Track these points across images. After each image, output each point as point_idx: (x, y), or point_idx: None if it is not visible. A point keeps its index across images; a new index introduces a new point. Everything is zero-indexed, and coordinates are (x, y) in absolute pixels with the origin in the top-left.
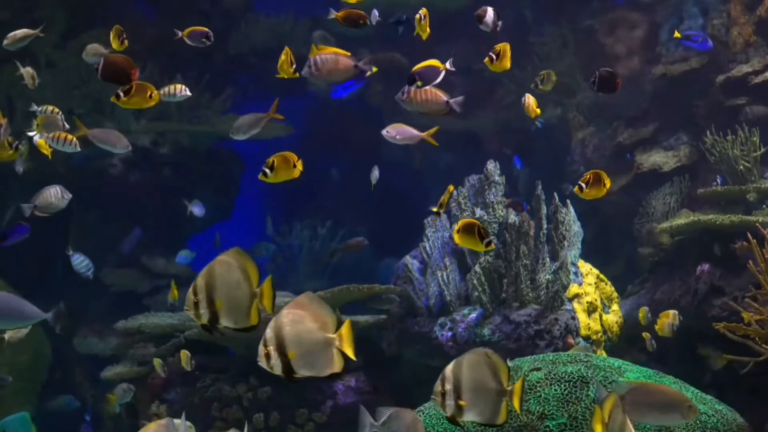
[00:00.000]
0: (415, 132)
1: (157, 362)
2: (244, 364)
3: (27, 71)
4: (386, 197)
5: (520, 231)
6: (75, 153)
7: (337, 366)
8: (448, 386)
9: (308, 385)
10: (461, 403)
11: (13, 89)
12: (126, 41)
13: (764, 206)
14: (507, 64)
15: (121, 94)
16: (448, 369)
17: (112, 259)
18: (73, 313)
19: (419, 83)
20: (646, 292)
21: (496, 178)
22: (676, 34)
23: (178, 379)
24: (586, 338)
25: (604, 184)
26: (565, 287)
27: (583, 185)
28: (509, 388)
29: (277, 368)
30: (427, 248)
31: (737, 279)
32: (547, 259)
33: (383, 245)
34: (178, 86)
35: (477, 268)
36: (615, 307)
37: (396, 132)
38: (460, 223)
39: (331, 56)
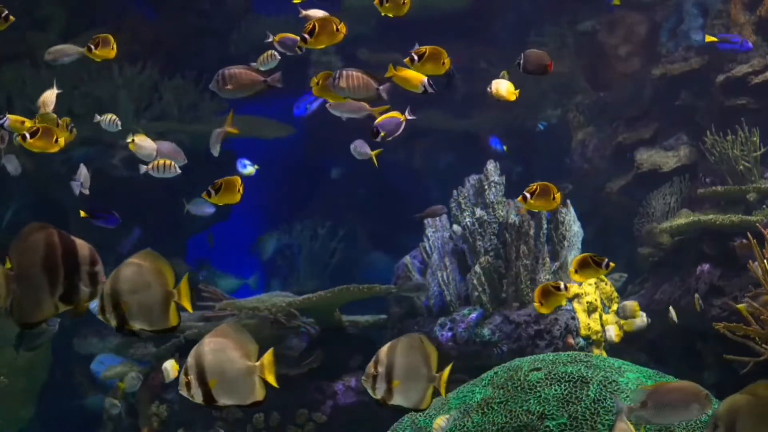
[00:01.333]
0: (360, 105)
1: (174, 366)
2: None
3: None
4: (386, 197)
5: (520, 231)
6: (75, 153)
7: (259, 394)
8: (381, 369)
9: (308, 385)
10: (393, 384)
11: (13, 89)
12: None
13: (764, 206)
14: (437, 69)
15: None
16: (382, 351)
17: (112, 258)
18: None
19: (383, 134)
20: (646, 292)
21: (496, 178)
22: (709, 38)
23: (175, 381)
24: (586, 338)
25: (554, 198)
26: (565, 287)
27: (528, 195)
28: (437, 375)
29: (198, 397)
30: (427, 248)
31: (737, 279)
32: (547, 259)
33: (383, 245)
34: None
35: (477, 268)
36: (615, 307)
37: (343, 108)
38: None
39: (239, 71)
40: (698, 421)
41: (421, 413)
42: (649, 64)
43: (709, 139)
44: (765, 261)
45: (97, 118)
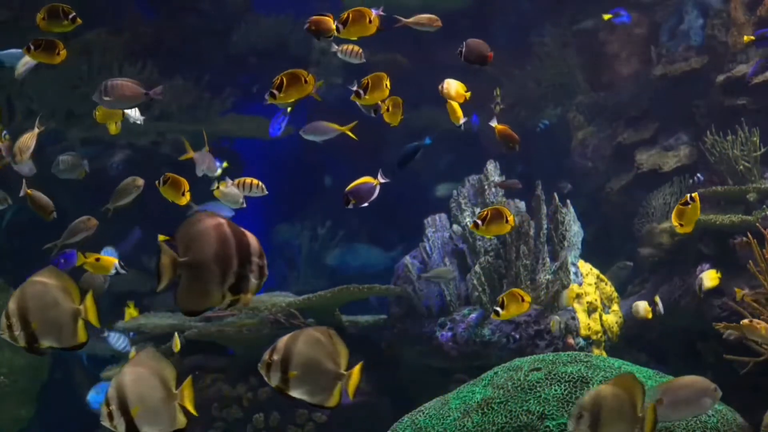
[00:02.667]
0: (329, 127)
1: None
2: (244, 364)
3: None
4: (386, 197)
5: (520, 231)
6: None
7: (180, 422)
8: (276, 357)
9: None
10: (290, 374)
11: (13, 89)
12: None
13: (764, 206)
14: (381, 96)
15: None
16: (282, 340)
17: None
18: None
19: (353, 201)
20: (646, 292)
21: (496, 178)
22: (746, 39)
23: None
24: (586, 338)
25: (507, 221)
26: (565, 287)
27: (480, 222)
28: (346, 373)
29: (120, 427)
30: (427, 248)
31: (737, 279)
32: (547, 259)
33: (383, 245)
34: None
35: (477, 268)
36: (615, 307)
37: (312, 129)
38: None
39: (121, 82)
40: (698, 421)
41: (421, 413)
42: (649, 64)
43: (709, 139)
44: (765, 261)
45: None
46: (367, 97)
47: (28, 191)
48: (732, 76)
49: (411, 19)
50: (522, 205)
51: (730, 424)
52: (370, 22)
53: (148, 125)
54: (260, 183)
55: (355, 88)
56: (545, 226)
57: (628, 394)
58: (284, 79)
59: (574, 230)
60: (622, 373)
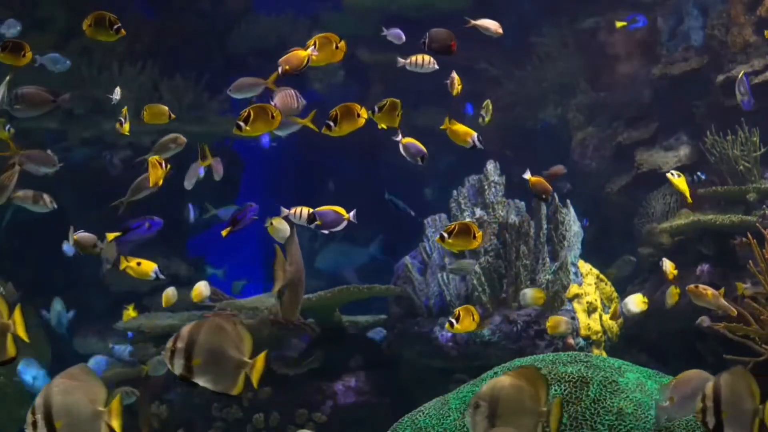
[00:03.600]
0: (256, 82)
1: (146, 369)
2: None
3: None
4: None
5: (520, 231)
6: (74, 153)
7: None
8: (180, 344)
9: (308, 385)
10: (194, 362)
11: (13, 89)
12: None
13: (764, 206)
14: (353, 127)
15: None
16: (186, 328)
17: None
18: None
19: (318, 222)
20: (646, 292)
21: (496, 178)
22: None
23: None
24: (586, 338)
25: (474, 236)
26: (565, 287)
27: (446, 235)
28: (250, 361)
29: None
30: (427, 248)
31: (737, 279)
32: (547, 259)
33: (383, 245)
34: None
35: (477, 268)
36: (615, 307)
37: (238, 87)
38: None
39: (30, 91)
40: (698, 422)
41: (421, 413)
42: (649, 64)
43: (709, 139)
44: (765, 261)
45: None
46: (337, 129)
47: (75, 237)
48: (732, 76)
49: (479, 21)
50: (522, 205)
51: None
52: (337, 47)
53: (147, 125)
54: (309, 210)
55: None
56: (545, 226)
57: (529, 387)
58: (251, 112)
59: (574, 230)
60: (524, 365)
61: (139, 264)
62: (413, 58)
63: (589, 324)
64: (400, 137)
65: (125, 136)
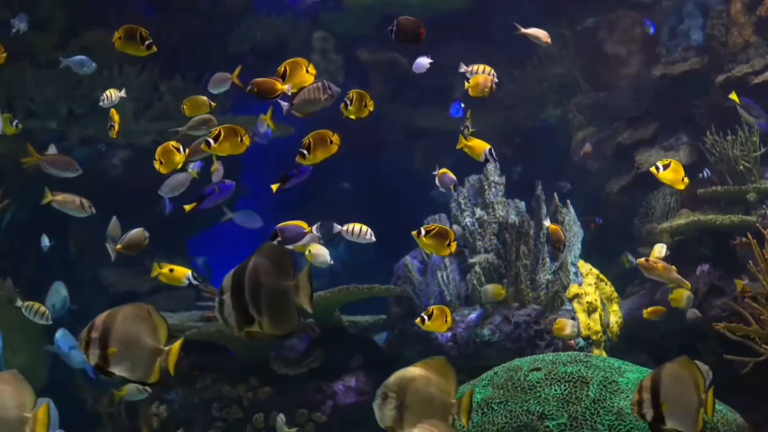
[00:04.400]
0: (184, 177)
1: (122, 392)
2: (244, 365)
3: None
4: (386, 197)
5: (520, 231)
6: (74, 153)
7: None
8: (95, 334)
9: (308, 385)
10: (110, 351)
11: (13, 89)
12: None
13: (764, 206)
14: (327, 154)
15: None
16: (100, 317)
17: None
18: (73, 312)
19: (279, 238)
20: (646, 292)
21: (496, 178)
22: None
23: (178, 380)
24: (586, 338)
25: (449, 244)
26: (565, 287)
27: (423, 231)
28: (165, 348)
29: None
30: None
31: (737, 279)
32: (547, 259)
33: (383, 245)
34: None
35: (477, 268)
36: (615, 307)
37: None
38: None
39: None
40: None
41: None
42: (649, 64)
43: (709, 139)
44: (765, 261)
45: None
46: (311, 156)
47: (118, 248)
48: (732, 76)
49: (530, 30)
50: (522, 205)
51: (730, 424)
52: (308, 71)
53: (147, 125)
54: (368, 229)
55: (301, 149)
56: (545, 226)
57: (438, 378)
58: (222, 132)
59: (574, 230)
60: (433, 357)
61: (171, 270)
62: (475, 67)
63: (589, 324)
64: (437, 171)
65: (124, 136)
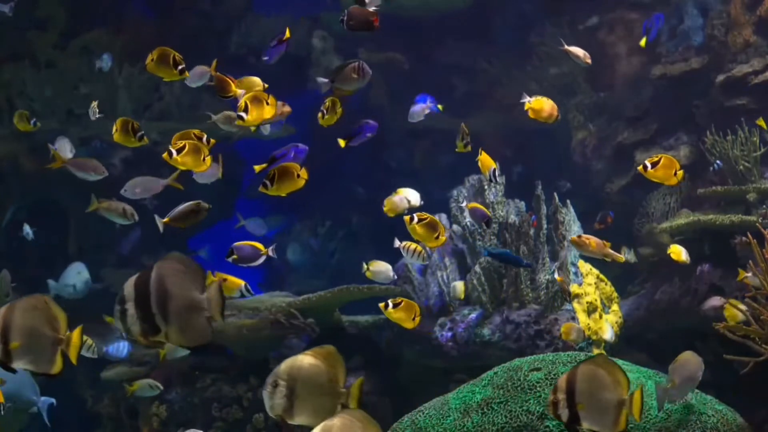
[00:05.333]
0: (157, 183)
1: (133, 388)
2: (244, 364)
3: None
4: (386, 197)
5: (520, 231)
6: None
7: None
8: None
9: None
10: (12, 346)
11: (13, 89)
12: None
13: (764, 206)
14: (293, 187)
15: None
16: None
17: (112, 259)
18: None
19: (236, 257)
20: (646, 292)
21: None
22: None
23: (178, 380)
24: (586, 338)
25: (437, 237)
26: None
27: (417, 218)
28: (64, 337)
29: None
30: (427, 248)
31: (737, 279)
32: (547, 259)
33: (383, 245)
34: None
35: (477, 268)
36: (615, 307)
37: (137, 186)
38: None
39: None
40: (698, 421)
41: (421, 413)
42: (649, 64)
43: (709, 139)
44: (765, 261)
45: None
46: (274, 188)
47: (166, 220)
48: (732, 76)
49: (572, 48)
50: (522, 205)
51: (730, 424)
52: (204, 161)
53: (147, 125)
54: (423, 251)
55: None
56: (545, 226)
57: (328, 367)
58: (186, 145)
59: (574, 230)
60: (323, 346)
61: (224, 281)
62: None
63: (589, 324)
64: (466, 203)
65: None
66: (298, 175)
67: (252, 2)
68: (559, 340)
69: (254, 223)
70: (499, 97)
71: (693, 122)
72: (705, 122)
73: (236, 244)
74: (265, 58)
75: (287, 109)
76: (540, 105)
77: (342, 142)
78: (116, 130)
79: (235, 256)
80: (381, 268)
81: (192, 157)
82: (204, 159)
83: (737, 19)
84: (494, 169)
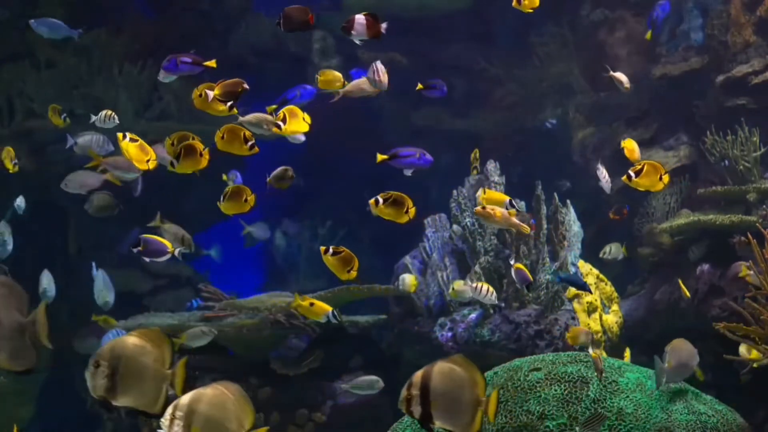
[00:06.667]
0: (96, 177)
1: (182, 339)
2: (244, 365)
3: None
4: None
5: (520, 231)
6: (75, 152)
7: None
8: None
9: (308, 385)
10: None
11: (13, 89)
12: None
13: (764, 206)
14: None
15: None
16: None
17: (112, 259)
18: (74, 312)
19: (141, 248)
20: (646, 292)
21: (496, 178)
22: None
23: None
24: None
25: (407, 210)
26: (565, 287)
27: (381, 199)
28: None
29: None
30: (427, 248)
31: (737, 279)
32: (547, 259)
33: (383, 245)
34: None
35: (477, 268)
36: (615, 307)
37: (76, 180)
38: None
39: None
40: (698, 421)
41: None
42: (649, 64)
43: (709, 139)
44: (765, 261)
45: (93, 118)
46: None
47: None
48: (732, 76)
49: (616, 74)
50: (522, 205)
51: (730, 424)
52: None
53: (147, 125)
54: (494, 292)
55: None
56: (545, 226)
57: (153, 347)
58: (183, 150)
59: (574, 230)
60: (150, 327)
61: (312, 305)
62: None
63: (589, 324)
64: (513, 261)
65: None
66: (201, 154)
67: (252, 2)
68: (559, 340)
69: (258, 228)
70: (499, 97)
71: (693, 122)
72: (705, 122)
73: (145, 236)
74: (165, 64)
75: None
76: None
77: (421, 86)
78: (221, 137)
79: (140, 248)
80: (464, 288)
81: (190, 160)
82: (201, 154)
83: (737, 19)
84: (510, 200)
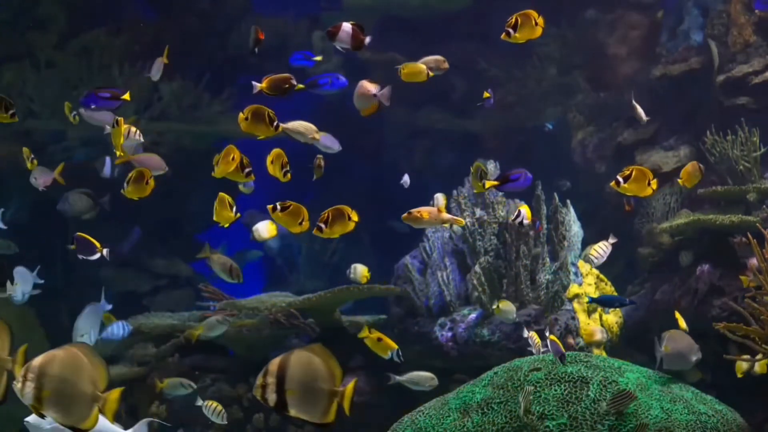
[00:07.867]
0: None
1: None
2: (244, 365)
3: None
4: (386, 197)
5: (520, 231)
6: (74, 153)
7: None
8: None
9: None
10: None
11: (13, 89)
12: None
13: (764, 206)
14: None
15: None
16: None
17: (112, 259)
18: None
19: (73, 247)
20: (646, 292)
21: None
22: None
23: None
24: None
25: (349, 218)
26: (565, 287)
27: (322, 225)
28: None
29: None
30: (427, 248)
31: (737, 279)
32: (547, 259)
33: (383, 245)
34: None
35: (477, 268)
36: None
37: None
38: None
39: None
40: (698, 421)
41: (421, 413)
42: (649, 64)
43: (709, 139)
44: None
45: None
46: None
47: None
48: (732, 76)
49: (637, 105)
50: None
51: (730, 424)
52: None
53: (147, 125)
54: (539, 339)
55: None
56: (545, 226)
57: (86, 362)
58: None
59: (574, 230)
60: (79, 343)
61: (380, 340)
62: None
63: (589, 324)
64: (548, 333)
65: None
66: (350, 218)
67: (252, 2)
68: (559, 340)
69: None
70: (499, 97)
71: (693, 122)
72: (705, 122)
73: (78, 234)
74: (83, 99)
75: None
76: (686, 171)
77: (298, 87)
78: (244, 118)
79: (73, 246)
80: (508, 308)
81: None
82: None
83: (737, 19)
84: (521, 211)
